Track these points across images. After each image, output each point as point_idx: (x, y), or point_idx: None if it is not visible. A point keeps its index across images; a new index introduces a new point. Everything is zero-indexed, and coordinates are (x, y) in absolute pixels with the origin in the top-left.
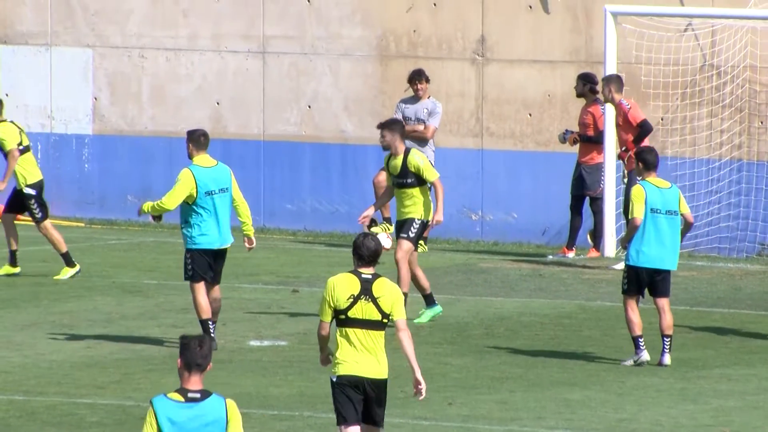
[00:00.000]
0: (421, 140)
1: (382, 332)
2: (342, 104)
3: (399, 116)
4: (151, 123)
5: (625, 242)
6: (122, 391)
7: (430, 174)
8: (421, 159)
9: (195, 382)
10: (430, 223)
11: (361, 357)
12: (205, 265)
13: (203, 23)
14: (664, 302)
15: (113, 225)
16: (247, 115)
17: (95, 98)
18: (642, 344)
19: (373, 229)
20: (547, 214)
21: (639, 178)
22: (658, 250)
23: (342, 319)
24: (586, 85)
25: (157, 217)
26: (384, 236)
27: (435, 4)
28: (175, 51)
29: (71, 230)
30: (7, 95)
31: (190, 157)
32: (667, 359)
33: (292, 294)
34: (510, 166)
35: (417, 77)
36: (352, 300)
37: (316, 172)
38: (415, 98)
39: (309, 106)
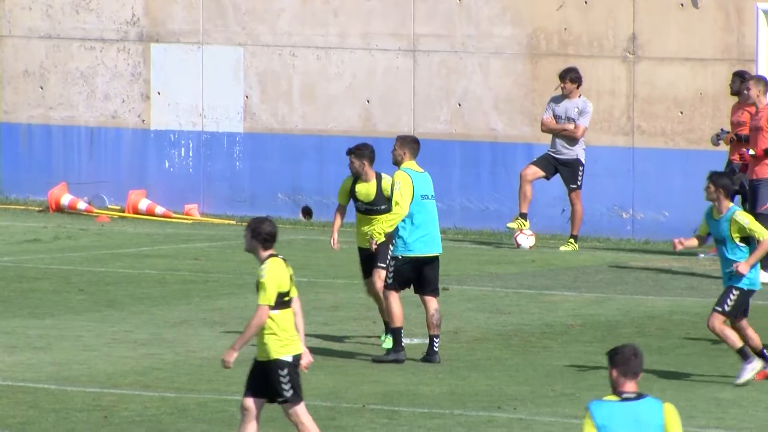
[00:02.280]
0: (571, 139)
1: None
2: (492, 102)
3: (549, 114)
4: (301, 121)
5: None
6: None
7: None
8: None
9: (630, 387)
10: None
11: (296, 335)
12: (407, 275)
13: (353, 22)
14: None
15: None
16: (397, 114)
17: (246, 96)
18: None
19: (509, 225)
20: (698, 213)
21: None
22: None
23: (285, 301)
24: (744, 82)
25: (309, 214)
26: (524, 236)
27: (586, 2)
28: (326, 49)
29: (222, 228)
30: (158, 93)
31: (397, 162)
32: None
33: (441, 292)
34: (661, 164)
35: (564, 76)
36: (291, 281)
37: (466, 170)
38: (564, 96)
39: (459, 105)
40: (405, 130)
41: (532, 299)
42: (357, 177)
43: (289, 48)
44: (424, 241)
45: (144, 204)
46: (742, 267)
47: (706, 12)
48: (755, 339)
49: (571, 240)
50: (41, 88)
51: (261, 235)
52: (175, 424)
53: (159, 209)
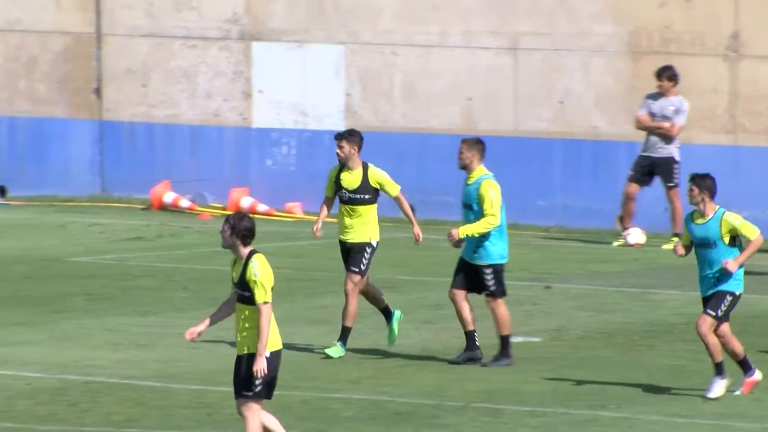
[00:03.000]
0: (666, 138)
1: None
2: (593, 100)
3: (644, 112)
4: (403, 119)
5: None
6: (376, 386)
7: (393, 188)
8: (383, 173)
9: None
10: (416, 237)
11: (276, 328)
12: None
13: (454, 19)
14: None
15: None
16: (498, 112)
17: (348, 94)
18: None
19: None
20: None
21: None
22: None
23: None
24: None
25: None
26: (636, 233)
27: (687, 0)
28: (427, 47)
29: (325, 226)
30: (260, 92)
31: (465, 167)
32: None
33: (544, 290)
34: (764, 162)
35: (660, 74)
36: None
37: (568, 169)
38: (660, 94)
39: (560, 103)
40: (506, 128)
41: (636, 298)
42: (343, 165)
43: (390, 46)
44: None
45: (246, 202)
46: (731, 264)
47: None
48: (738, 346)
49: (674, 238)
50: (144, 86)
51: (241, 232)
52: None
53: (261, 207)
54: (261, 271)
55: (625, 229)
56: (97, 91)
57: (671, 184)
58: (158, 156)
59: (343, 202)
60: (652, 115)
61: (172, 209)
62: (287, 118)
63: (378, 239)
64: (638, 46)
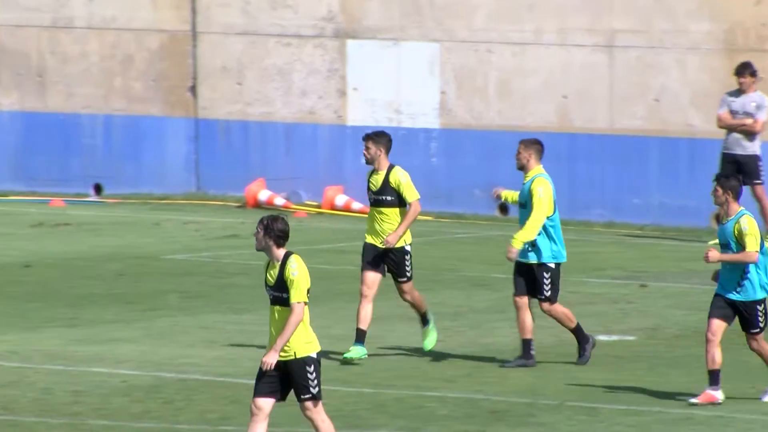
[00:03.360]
0: (749, 134)
1: None
2: (689, 98)
3: (724, 110)
4: (497, 117)
5: None
6: (471, 384)
7: (411, 194)
8: (404, 176)
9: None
10: (384, 242)
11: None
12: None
13: (549, 17)
14: None
15: (461, 219)
16: (594, 110)
17: (442, 92)
18: None
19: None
20: None
21: None
22: None
23: (309, 297)
24: None
25: (505, 210)
26: None
27: None
28: (522, 45)
29: (419, 224)
30: (354, 89)
31: (523, 167)
32: None
33: (640, 288)
34: None
35: (741, 70)
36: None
37: (664, 167)
38: (740, 91)
39: (656, 100)
40: (601, 126)
41: None
42: (371, 165)
43: (485, 44)
44: (563, 246)
45: (341, 200)
46: (712, 254)
47: None
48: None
49: None
50: (239, 84)
51: (274, 233)
52: (372, 420)
53: (356, 205)
54: (299, 271)
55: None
56: (193, 89)
57: (758, 181)
58: (253, 154)
59: (370, 203)
60: (733, 113)
61: (267, 207)
62: (382, 116)
63: (410, 241)
64: (734, 44)
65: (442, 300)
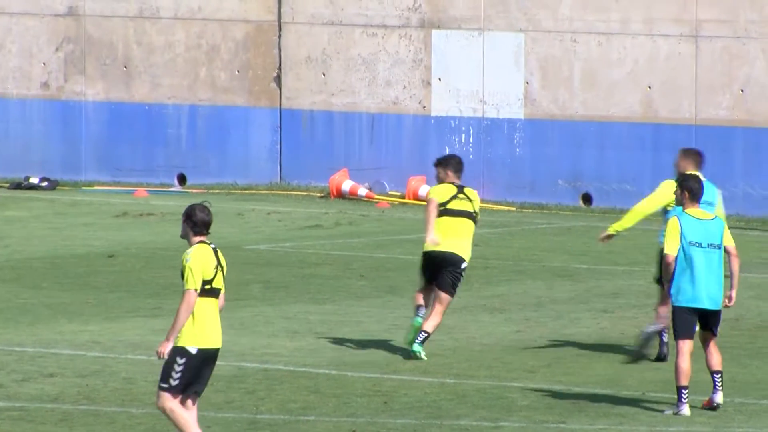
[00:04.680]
0: None
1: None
2: None
3: None
4: (582, 107)
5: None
6: (552, 375)
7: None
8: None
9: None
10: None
11: (216, 326)
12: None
13: (635, 7)
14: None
15: (544, 209)
16: (679, 100)
17: (527, 82)
18: (685, 397)
19: None
20: None
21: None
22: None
23: (207, 289)
24: None
25: (588, 200)
26: None
27: None
28: (607, 35)
29: (502, 214)
30: (439, 80)
31: (682, 171)
32: (719, 397)
33: (724, 279)
34: None
35: None
36: (215, 269)
37: (749, 157)
38: None
39: (741, 91)
40: (686, 116)
41: None
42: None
43: (570, 34)
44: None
45: (424, 190)
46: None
47: None
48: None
49: None
50: (323, 74)
51: (191, 221)
52: (454, 410)
53: None
54: (192, 258)
55: None
56: (278, 80)
57: None
58: (337, 144)
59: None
60: None
61: (350, 197)
62: (466, 106)
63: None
64: None
65: (524, 290)
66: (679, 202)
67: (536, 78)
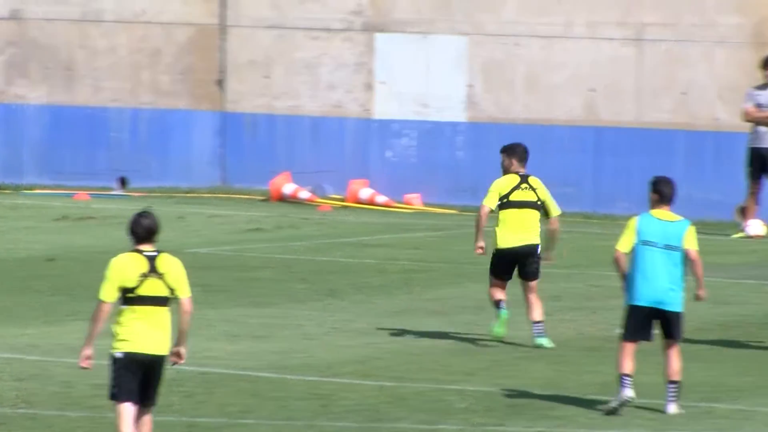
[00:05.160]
0: None
1: (167, 308)
2: (716, 92)
3: (750, 104)
4: (524, 110)
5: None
6: (491, 377)
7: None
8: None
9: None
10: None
11: (149, 333)
12: None
13: (578, 10)
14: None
15: None
16: (621, 103)
17: (470, 86)
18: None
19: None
20: None
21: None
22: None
23: (130, 297)
24: None
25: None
26: (756, 225)
27: None
28: (550, 38)
29: (443, 217)
30: (382, 83)
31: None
32: (672, 408)
33: None
34: None
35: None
36: (141, 278)
37: (690, 160)
38: (766, 85)
39: (683, 94)
40: (628, 119)
41: (755, 290)
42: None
43: (513, 37)
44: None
45: (365, 193)
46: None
47: None
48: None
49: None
50: (266, 77)
51: (130, 228)
52: (393, 413)
53: (380, 198)
54: (109, 268)
55: (746, 220)
56: (220, 83)
57: None
58: (279, 147)
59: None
60: (759, 106)
61: (292, 200)
62: (408, 110)
63: (494, 246)
64: (763, 37)
65: (464, 293)
66: (651, 203)
67: (479, 81)
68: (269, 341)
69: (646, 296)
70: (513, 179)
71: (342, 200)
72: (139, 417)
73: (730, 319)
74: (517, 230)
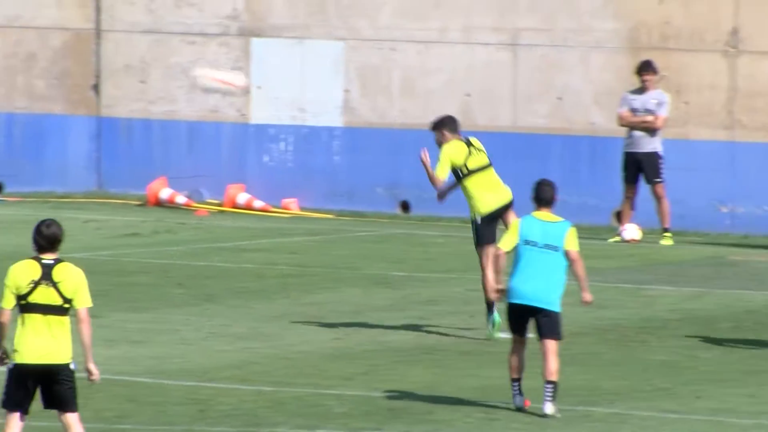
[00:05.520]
0: (651, 131)
1: (64, 317)
2: (592, 97)
3: (625, 108)
4: (401, 115)
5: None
6: (370, 382)
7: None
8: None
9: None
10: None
11: (38, 343)
12: None
13: (454, 15)
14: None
15: (362, 217)
16: (497, 108)
17: (346, 91)
18: (516, 387)
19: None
20: None
21: None
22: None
23: (23, 304)
24: None
25: (407, 208)
26: (632, 229)
27: None
28: (426, 43)
29: (320, 222)
30: (258, 88)
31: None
32: (548, 408)
33: None
34: (762, 158)
35: (645, 68)
36: (32, 285)
37: (565, 164)
38: (642, 89)
39: (559, 99)
40: (504, 124)
41: (631, 294)
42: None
43: (389, 42)
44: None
45: (242, 198)
46: None
47: None
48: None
49: (667, 234)
50: (142, 82)
51: (33, 237)
52: (271, 418)
53: (257, 203)
54: (7, 274)
55: (621, 225)
56: (96, 88)
57: (658, 180)
58: (155, 152)
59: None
60: (634, 110)
61: (169, 205)
62: (285, 114)
63: (477, 214)
64: (638, 42)
65: (342, 298)
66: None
67: (355, 86)
68: (146, 346)
69: (522, 294)
70: (461, 146)
71: (219, 205)
72: (63, 424)
73: (607, 323)
74: (491, 191)
